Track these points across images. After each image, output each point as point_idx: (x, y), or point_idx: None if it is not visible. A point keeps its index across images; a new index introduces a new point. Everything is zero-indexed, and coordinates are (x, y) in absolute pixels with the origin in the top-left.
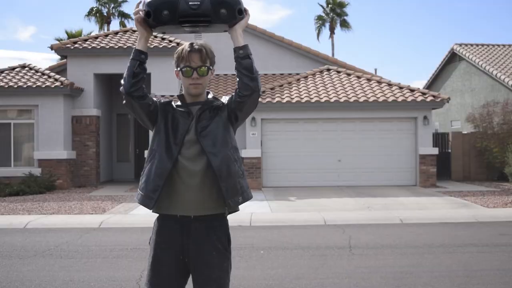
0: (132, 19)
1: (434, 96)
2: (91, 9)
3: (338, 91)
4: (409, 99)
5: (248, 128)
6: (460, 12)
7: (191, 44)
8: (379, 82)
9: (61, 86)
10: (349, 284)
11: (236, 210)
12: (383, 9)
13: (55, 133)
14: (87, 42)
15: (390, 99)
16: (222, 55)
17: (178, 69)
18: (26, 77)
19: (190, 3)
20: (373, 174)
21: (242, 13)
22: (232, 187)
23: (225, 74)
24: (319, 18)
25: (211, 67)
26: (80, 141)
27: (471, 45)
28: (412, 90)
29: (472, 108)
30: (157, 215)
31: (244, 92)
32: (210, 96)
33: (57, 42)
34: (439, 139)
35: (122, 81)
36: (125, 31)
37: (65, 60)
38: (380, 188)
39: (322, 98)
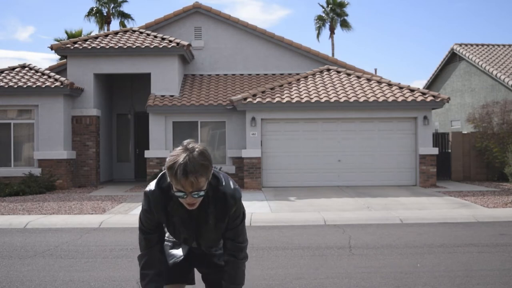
0: (132, 19)
1: (434, 96)
2: (91, 9)
3: (338, 91)
4: (409, 99)
5: (248, 128)
6: (460, 12)
7: (185, 169)
8: (379, 82)
9: (61, 86)
10: (349, 284)
11: None
12: (383, 9)
13: (55, 133)
14: (87, 42)
15: (390, 99)
16: (222, 55)
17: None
18: (26, 77)
19: None
20: (373, 174)
21: None
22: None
23: (225, 74)
24: (319, 18)
25: (205, 187)
26: (80, 141)
27: (471, 45)
28: (412, 90)
29: (472, 108)
30: None
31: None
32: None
33: (57, 42)
34: (439, 139)
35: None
36: (125, 31)
37: (65, 60)
38: (380, 188)
39: (322, 98)
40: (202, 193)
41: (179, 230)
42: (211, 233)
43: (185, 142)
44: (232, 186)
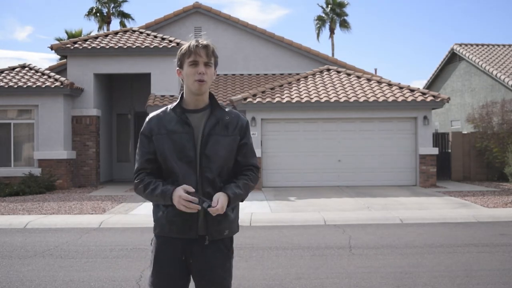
0: (133, 19)
1: (434, 96)
2: (91, 8)
3: (338, 91)
4: (409, 99)
5: None
6: (460, 12)
7: (197, 40)
8: (379, 82)
9: (61, 86)
10: (349, 284)
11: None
12: (383, 9)
13: (55, 133)
14: (87, 42)
15: (390, 99)
16: (222, 55)
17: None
18: (26, 77)
19: None
20: (373, 174)
21: None
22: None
23: (225, 74)
24: (319, 18)
25: (215, 67)
26: (80, 141)
27: (471, 45)
28: (412, 90)
29: (472, 108)
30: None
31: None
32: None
33: (57, 42)
34: (439, 139)
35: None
36: (125, 31)
37: (65, 60)
38: (380, 188)
39: (322, 98)
40: (213, 66)
41: (180, 153)
42: (218, 146)
43: None
44: None
